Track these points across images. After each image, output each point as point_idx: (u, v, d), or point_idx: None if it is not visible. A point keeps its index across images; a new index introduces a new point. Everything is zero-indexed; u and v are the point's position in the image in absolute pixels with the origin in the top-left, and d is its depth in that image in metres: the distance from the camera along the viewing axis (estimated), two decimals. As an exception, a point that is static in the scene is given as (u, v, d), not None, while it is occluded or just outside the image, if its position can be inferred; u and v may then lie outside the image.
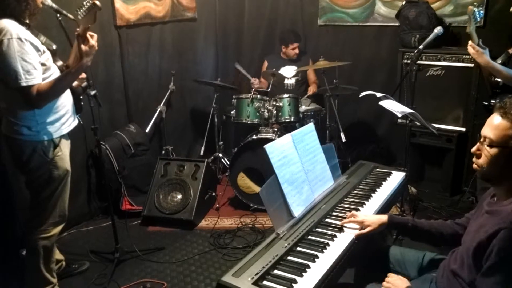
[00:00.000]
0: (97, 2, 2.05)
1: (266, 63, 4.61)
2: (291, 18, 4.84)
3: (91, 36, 2.18)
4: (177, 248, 3.15)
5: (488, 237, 1.41)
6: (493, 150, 1.46)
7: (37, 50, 2.14)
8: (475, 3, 2.84)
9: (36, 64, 2.12)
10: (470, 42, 2.70)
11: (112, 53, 3.68)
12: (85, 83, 2.49)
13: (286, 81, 4.38)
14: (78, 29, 2.16)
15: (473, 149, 1.55)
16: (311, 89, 4.42)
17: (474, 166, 1.55)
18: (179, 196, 3.51)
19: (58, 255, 2.70)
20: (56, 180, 2.36)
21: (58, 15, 2.33)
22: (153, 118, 3.93)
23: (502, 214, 1.43)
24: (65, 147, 2.40)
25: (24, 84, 2.06)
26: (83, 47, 2.14)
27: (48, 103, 2.21)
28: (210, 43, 4.87)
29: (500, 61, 2.84)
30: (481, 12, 2.68)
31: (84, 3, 2.08)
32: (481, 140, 1.51)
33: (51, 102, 2.23)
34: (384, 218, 1.87)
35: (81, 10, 2.07)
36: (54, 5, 2.28)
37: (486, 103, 3.03)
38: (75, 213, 3.25)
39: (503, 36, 3.46)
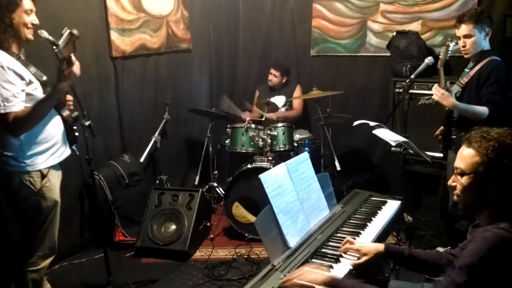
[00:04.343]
0: (75, 31, 2.06)
1: (257, 93, 4.67)
2: (284, 48, 4.93)
3: (74, 61, 2.18)
4: (171, 280, 3.09)
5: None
6: (465, 179, 1.50)
7: (22, 78, 2.14)
8: (449, 38, 2.90)
9: (17, 92, 2.11)
10: (436, 85, 2.72)
11: (107, 83, 3.70)
12: (75, 113, 2.49)
13: None
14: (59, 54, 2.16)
15: (449, 182, 1.59)
16: (289, 113, 4.43)
17: (455, 198, 1.58)
18: (173, 227, 3.46)
19: (48, 289, 2.63)
20: (45, 211, 2.33)
21: (54, 47, 2.36)
22: (147, 148, 3.93)
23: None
24: (55, 177, 2.38)
25: (2, 111, 2.07)
26: (66, 69, 2.13)
27: (26, 131, 2.18)
28: (204, 73, 4.93)
29: (455, 92, 2.80)
30: (456, 45, 2.76)
31: (62, 32, 2.10)
32: (455, 172, 1.55)
33: (31, 130, 2.19)
34: (380, 247, 1.86)
35: (61, 40, 2.10)
36: (50, 38, 2.30)
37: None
38: (67, 245, 3.20)
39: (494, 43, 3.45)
